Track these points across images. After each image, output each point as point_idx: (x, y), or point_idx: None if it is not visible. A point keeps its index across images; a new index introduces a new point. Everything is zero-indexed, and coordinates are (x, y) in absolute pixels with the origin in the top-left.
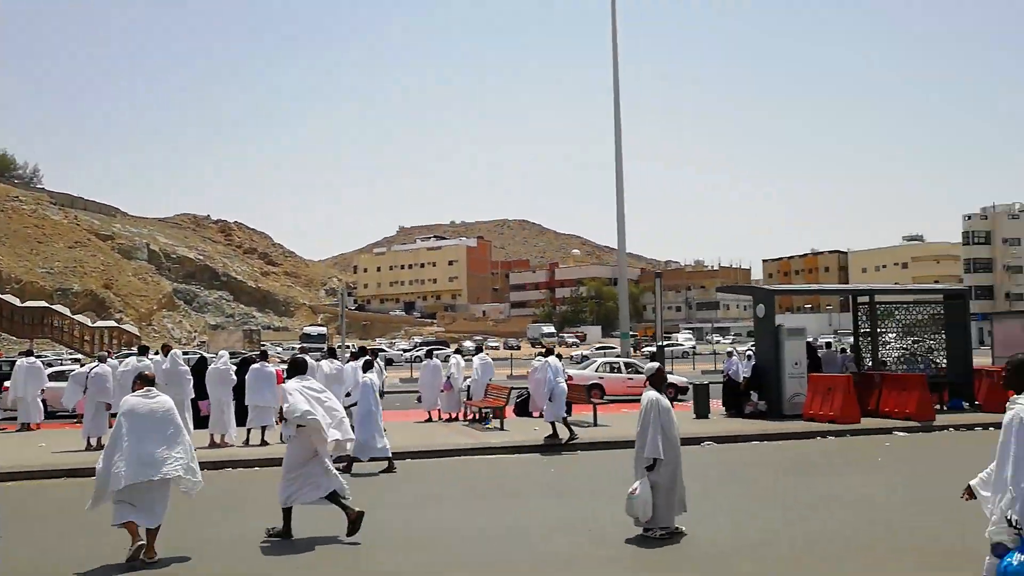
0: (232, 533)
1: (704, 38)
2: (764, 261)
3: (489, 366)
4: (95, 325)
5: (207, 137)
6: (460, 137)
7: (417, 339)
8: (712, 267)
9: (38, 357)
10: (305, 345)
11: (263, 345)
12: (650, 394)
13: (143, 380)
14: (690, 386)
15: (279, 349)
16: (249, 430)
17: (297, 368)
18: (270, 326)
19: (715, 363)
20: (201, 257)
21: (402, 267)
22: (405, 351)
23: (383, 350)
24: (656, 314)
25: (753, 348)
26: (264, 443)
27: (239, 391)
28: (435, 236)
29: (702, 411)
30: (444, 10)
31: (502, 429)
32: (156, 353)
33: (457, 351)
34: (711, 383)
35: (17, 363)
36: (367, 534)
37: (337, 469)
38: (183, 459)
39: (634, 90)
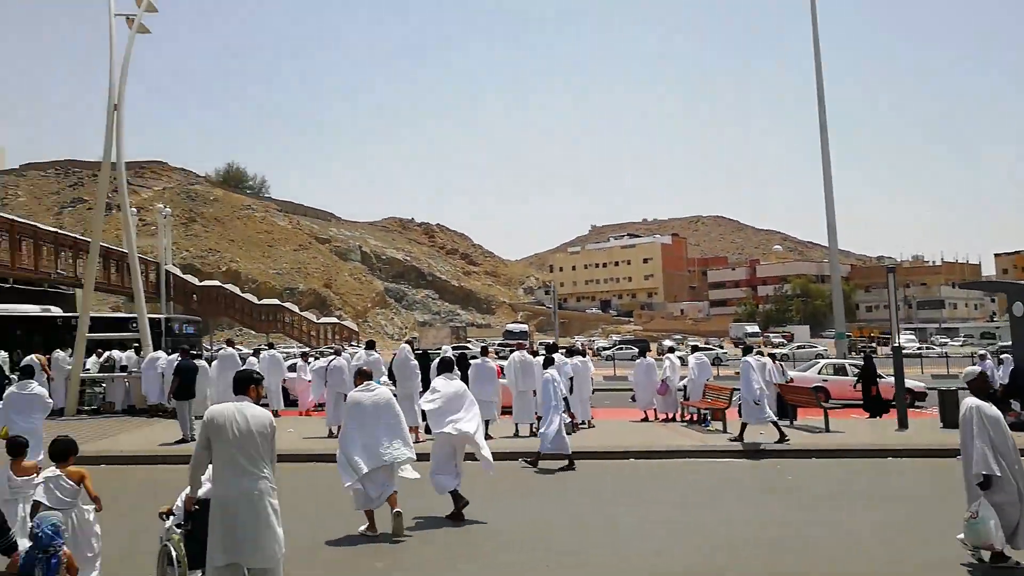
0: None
1: (904, 26)
2: (996, 255)
3: (706, 366)
4: (319, 321)
5: (412, 146)
6: (651, 134)
7: (616, 337)
8: (933, 262)
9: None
10: (508, 342)
11: (470, 341)
12: (970, 401)
13: (362, 375)
14: (927, 392)
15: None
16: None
17: (445, 367)
18: (473, 323)
19: (947, 367)
20: (408, 258)
21: (597, 265)
22: (604, 349)
23: (580, 349)
24: (891, 311)
25: (1006, 351)
26: (488, 436)
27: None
28: (628, 234)
29: (951, 420)
30: (630, 5)
31: (724, 431)
32: (359, 347)
33: (671, 350)
34: (959, 388)
35: (261, 355)
36: (688, 535)
37: (527, 463)
38: (405, 445)
39: (836, 77)
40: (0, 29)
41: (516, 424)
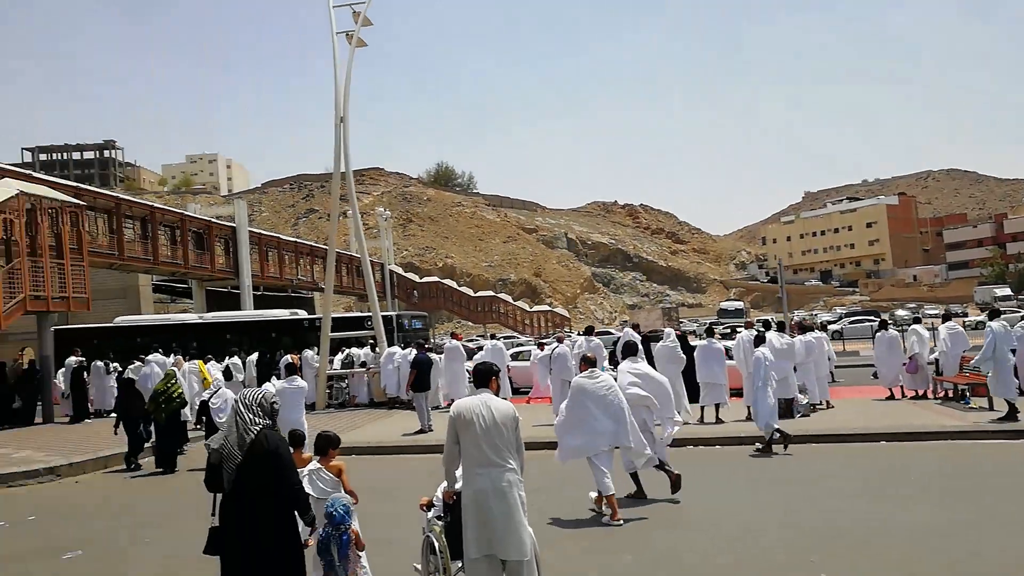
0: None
1: None
2: None
3: (961, 336)
4: (532, 310)
5: (610, 128)
6: (865, 89)
7: (840, 310)
8: None
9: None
10: (723, 320)
11: (682, 321)
12: None
13: (587, 362)
14: None
15: (695, 326)
16: (703, 408)
17: (629, 350)
18: (683, 303)
19: None
20: (613, 241)
21: (814, 234)
22: (830, 323)
23: (814, 324)
24: None
25: None
26: (719, 420)
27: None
28: (848, 198)
29: None
30: None
31: (991, 409)
32: (579, 335)
33: (916, 320)
34: None
35: (485, 344)
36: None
37: (757, 449)
38: (628, 432)
39: None
40: (237, 62)
41: (748, 407)
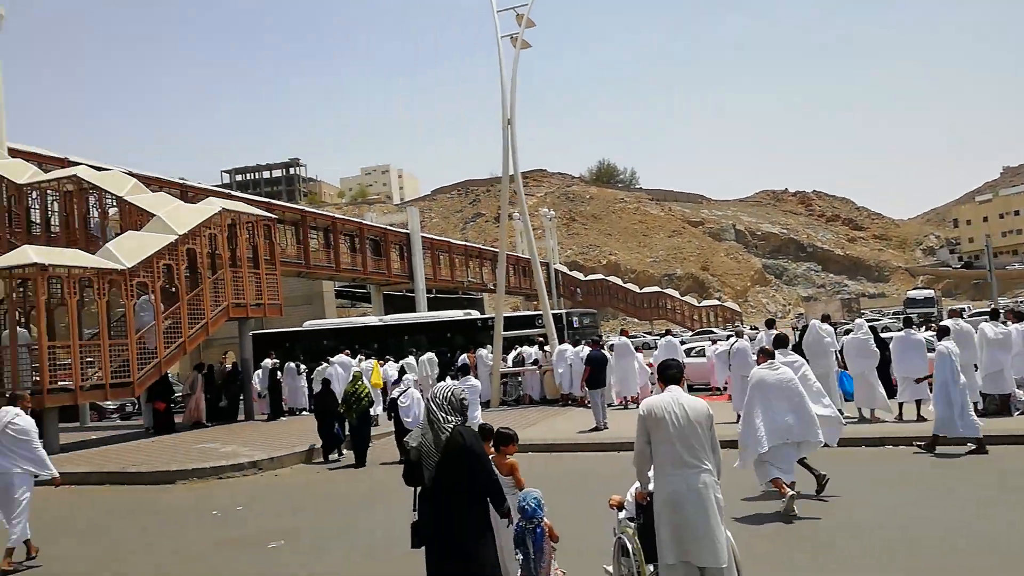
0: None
1: None
2: None
3: None
4: (701, 304)
5: (775, 114)
6: None
7: None
8: None
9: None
10: (910, 310)
11: (863, 312)
12: None
13: (765, 354)
14: None
15: (880, 316)
16: (901, 404)
17: (780, 342)
18: (864, 293)
19: None
20: (785, 231)
21: (1016, 212)
22: None
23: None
24: None
25: None
26: (921, 418)
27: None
28: None
29: None
30: None
31: None
32: (754, 328)
33: None
34: None
35: (660, 341)
36: None
37: (919, 447)
38: (809, 424)
39: None
40: (403, 74)
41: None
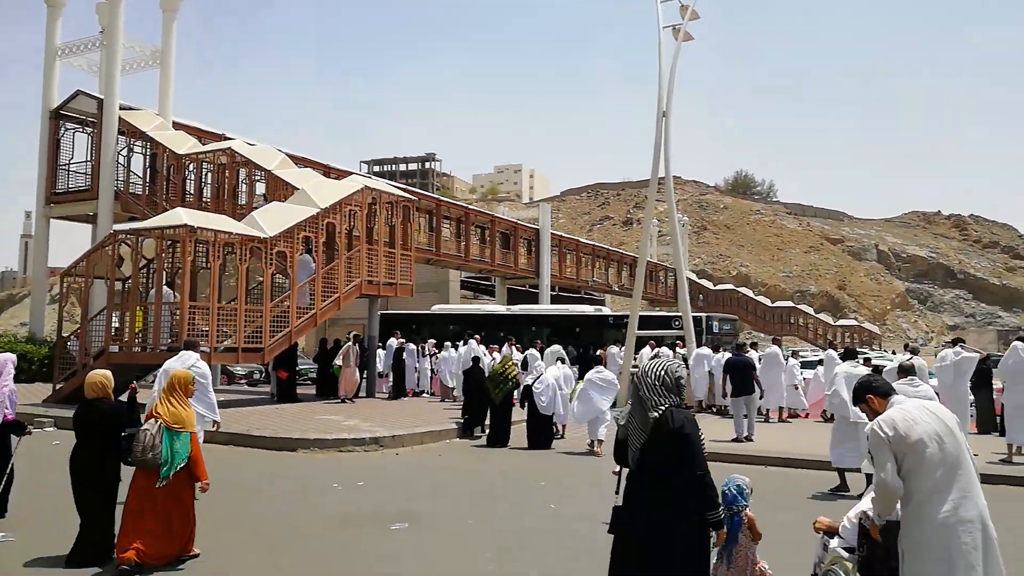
0: None
1: None
2: None
3: None
4: (836, 324)
5: (922, 131)
6: None
7: None
8: None
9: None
10: None
11: None
12: None
13: (903, 371)
14: None
15: None
16: None
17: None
18: (1020, 327)
19: None
20: (933, 255)
21: None
22: None
23: None
24: None
25: None
26: None
27: None
28: None
29: None
30: None
31: None
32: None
33: None
34: None
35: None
36: None
37: None
38: None
39: None
40: (543, 76)
41: None
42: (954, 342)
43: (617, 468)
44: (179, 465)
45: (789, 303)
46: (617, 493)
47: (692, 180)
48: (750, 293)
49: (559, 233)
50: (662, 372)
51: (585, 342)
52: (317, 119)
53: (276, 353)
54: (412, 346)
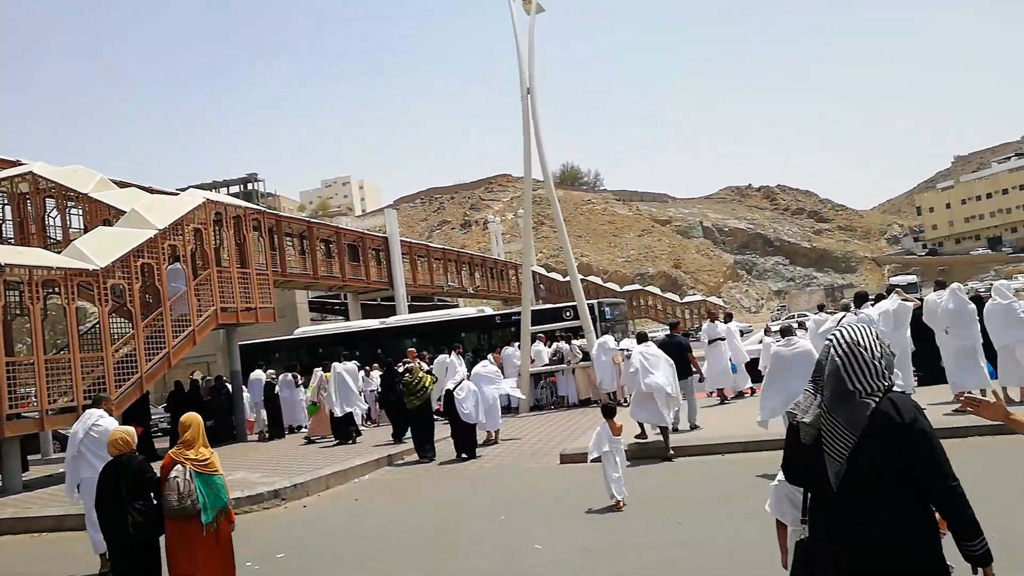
0: None
1: None
2: None
3: None
4: (683, 301)
5: (732, 109)
6: (1015, 35)
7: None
8: None
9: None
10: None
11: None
12: None
13: (784, 332)
14: None
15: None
16: None
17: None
18: (832, 285)
19: None
20: (751, 226)
21: (977, 198)
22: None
23: None
24: None
25: None
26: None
27: None
28: (1016, 154)
29: None
30: None
31: None
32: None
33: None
34: None
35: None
36: None
37: None
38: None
39: None
40: (362, 84)
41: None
42: (860, 298)
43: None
44: (219, 508)
45: (637, 286)
46: (804, 520)
47: (521, 176)
48: (599, 281)
49: (408, 240)
50: (874, 340)
51: (473, 346)
52: (127, 147)
53: (126, 407)
54: (289, 376)
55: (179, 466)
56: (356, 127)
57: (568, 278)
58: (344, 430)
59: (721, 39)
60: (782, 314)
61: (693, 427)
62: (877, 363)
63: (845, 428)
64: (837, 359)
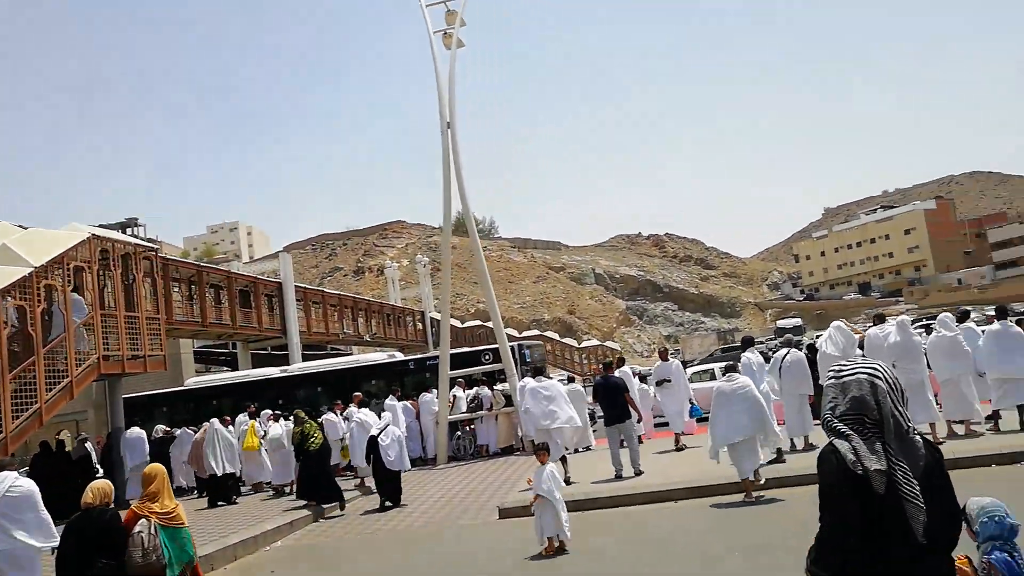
0: None
1: None
2: None
3: None
4: (581, 346)
5: (624, 160)
6: (881, 95)
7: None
8: None
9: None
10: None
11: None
12: None
13: (728, 369)
14: None
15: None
16: (996, 412)
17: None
18: (719, 329)
19: None
20: (642, 273)
21: (849, 247)
22: None
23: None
24: None
25: None
26: None
27: None
28: (881, 207)
29: None
30: None
31: None
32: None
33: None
34: None
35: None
36: None
37: None
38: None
39: None
40: (251, 129)
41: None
42: (746, 343)
43: None
44: (185, 563)
45: (536, 331)
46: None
47: (417, 223)
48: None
49: (303, 285)
50: (893, 371)
51: (385, 393)
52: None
53: None
54: (189, 431)
55: (143, 520)
56: (245, 171)
57: (466, 324)
58: (223, 492)
59: (606, 96)
60: (677, 358)
61: (637, 473)
62: (901, 393)
63: (911, 470)
64: (888, 397)
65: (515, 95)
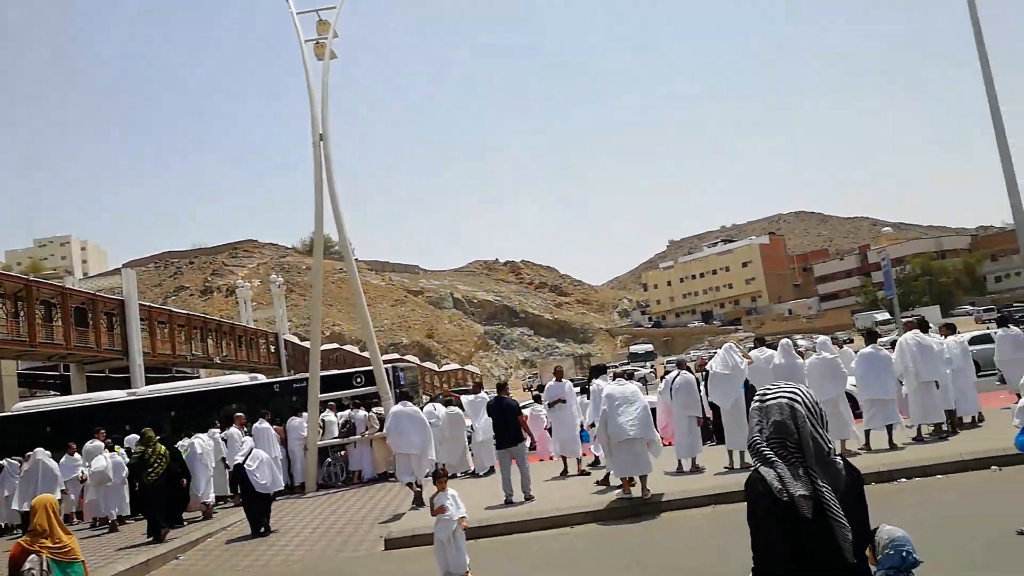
0: None
1: None
2: None
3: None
4: (441, 369)
5: (482, 186)
6: (720, 140)
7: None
8: None
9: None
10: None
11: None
12: None
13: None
14: None
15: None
16: (868, 432)
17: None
18: (572, 354)
19: None
20: (499, 298)
21: (693, 277)
22: None
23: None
24: None
25: None
26: (893, 446)
27: None
28: (721, 240)
29: None
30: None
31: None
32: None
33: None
34: None
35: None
36: None
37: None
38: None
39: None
40: (86, 138)
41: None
42: (597, 370)
43: None
44: None
45: (395, 355)
46: None
47: (270, 243)
48: (355, 350)
49: (148, 304)
50: (813, 398)
51: (250, 418)
52: None
53: None
54: (14, 462)
55: (33, 556)
56: (79, 182)
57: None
58: None
59: (464, 126)
60: (534, 382)
61: (528, 498)
62: (820, 418)
63: (833, 491)
64: (807, 421)
65: (378, 116)
